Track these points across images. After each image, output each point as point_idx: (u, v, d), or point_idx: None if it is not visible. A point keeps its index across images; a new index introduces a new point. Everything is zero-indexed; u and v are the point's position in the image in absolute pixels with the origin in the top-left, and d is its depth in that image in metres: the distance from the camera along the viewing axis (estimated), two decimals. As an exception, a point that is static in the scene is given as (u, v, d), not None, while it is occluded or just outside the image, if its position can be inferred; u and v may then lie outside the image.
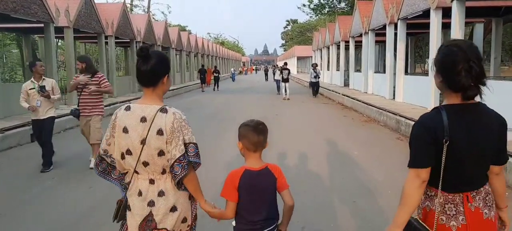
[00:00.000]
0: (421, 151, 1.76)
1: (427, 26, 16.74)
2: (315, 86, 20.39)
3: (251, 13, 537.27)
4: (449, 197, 1.80)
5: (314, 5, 44.06)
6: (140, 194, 2.08)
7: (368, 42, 17.74)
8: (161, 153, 2.03)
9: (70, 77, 14.04)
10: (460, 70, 1.69)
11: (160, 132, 2.01)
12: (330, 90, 20.82)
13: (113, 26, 17.21)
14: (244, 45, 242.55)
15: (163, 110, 2.05)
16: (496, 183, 1.91)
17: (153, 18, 46.33)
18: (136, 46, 21.46)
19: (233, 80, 42.27)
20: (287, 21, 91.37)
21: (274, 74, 25.59)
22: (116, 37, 18.35)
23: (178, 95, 23.73)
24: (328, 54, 29.91)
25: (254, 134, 2.17)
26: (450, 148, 1.71)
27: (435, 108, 1.81)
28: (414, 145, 1.79)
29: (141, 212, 2.08)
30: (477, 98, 1.77)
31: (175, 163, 2.02)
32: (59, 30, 13.63)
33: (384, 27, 15.25)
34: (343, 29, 23.42)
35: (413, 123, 6.41)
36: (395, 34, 14.50)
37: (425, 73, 19.29)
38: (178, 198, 2.10)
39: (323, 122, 11.75)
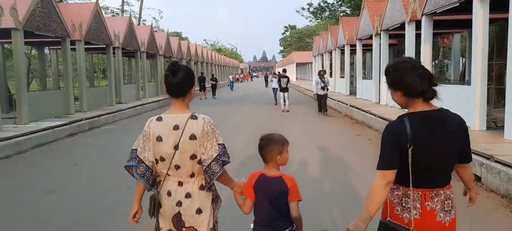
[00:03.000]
0: (387, 155, 1.94)
1: (453, 24, 14.32)
2: (322, 100, 15.29)
3: (250, 20, 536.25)
4: (408, 192, 1.95)
5: (314, 8, 41.68)
6: (169, 194, 2.28)
7: (380, 44, 15.24)
8: (193, 157, 2.22)
9: (19, 90, 11.50)
10: (415, 78, 1.92)
11: (192, 137, 2.21)
12: (335, 100, 18.26)
13: (81, 29, 14.67)
14: (243, 52, 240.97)
15: (193, 117, 2.25)
16: (463, 174, 2.16)
17: (143, 23, 44.06)
18: (115, 52, 18.99)
19: (232, 89, 37.38)
20: (285, 27, 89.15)
21: (271, 81, 22.50)
22: (87, 42, 15.82)
23: (166, 107, 21.10)
24: (331, 60, 27.46)
25: (259, 149, 2.43)
26: (414, 152, 1.88)
27: (399, 117, 1.98)
28: (382, 150, 1.97)
29: (170, 211, 2.28)
30: (439, 104, 2.02)
31: (213, 162, 2.21)
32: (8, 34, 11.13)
33: (402, 26, 12.74)
34: (348, 32, 20.96)
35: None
36: (417, 34, 12.02)
37: (459, 82, 16.77)
38: (203, 200, 2.28)
39: (332, 144, 9.16)
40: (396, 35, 16.80)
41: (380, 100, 15.21)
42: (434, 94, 1.96)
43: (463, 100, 9.08)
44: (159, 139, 2.24)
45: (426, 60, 11.01)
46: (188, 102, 2.32)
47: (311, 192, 5.31)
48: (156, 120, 2.29)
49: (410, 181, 1.93)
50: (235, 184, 2.43)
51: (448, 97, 10.04)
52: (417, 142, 1.89)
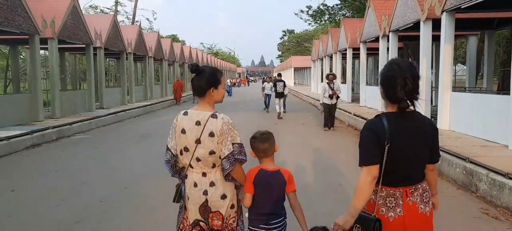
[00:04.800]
0: (369, 151, 2.04)
1: (470, 25, 12.79)
2: (330, 113, 12.09)
3: (249, 25, 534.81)
4: (391, 191, 2.08)
5: (313, 11, 40.21)
6: (195, 185, 2.46)
7: (388, 47, 13.68)
8: (212, 152, 2.40)
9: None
10: (396, 85, 2.01)
11: (211, 134, 2.39)
12: (336, 108, 16.63)
13: (54, 26, 13.06)
14: (241, 56, 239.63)
15: (214, 116, 2.43)
16: (430, 177, 2.25)
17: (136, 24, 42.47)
18: (98, 52, 17.39)
19: (230, 94, 34.10)
20: (284, 31, 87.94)
21: (264, 87, 19.06)
22: (62, 41, 14.21)
23: (153, 113, 19.49)
24: (331, 65, 25.91)
25: (260, 143, 2.57)
26: (391, 149, 2.00)
27: (377, 115, 2.10)
28: (363, 146, 2.07)
29: (198, 200, 2.45)
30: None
31: (224, 160, 2.40)
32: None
33: (415, 25, 11.17)
34: (350, 34, 19.44)
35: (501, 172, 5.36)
36: (434, 35, 10.49)
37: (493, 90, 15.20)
38: (226, 187, 2.48)
39: (338, 162, 7.56)
40: (405, 37, 15.27)
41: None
42: (408, 106, 2.03)
43: (497, 112, 7.51)
44: (183, 131, 2.45)
45: (447, 65, 9.44)
46: (211, 101, 2.48)
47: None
48: (183, 114, 2.50)
49: (388, 179, 2.06)
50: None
51: (475, 107, 8.39)
52: (394, 139, 2.01)
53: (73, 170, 7.42)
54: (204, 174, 2.44)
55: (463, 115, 8.88)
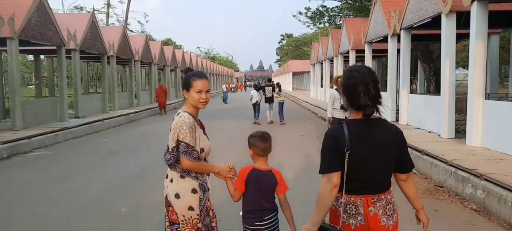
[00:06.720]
0: (329, 158, 2.00)
1: (501, 19, 10.95)
2: None
3: (247, 29, 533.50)
4: (351, 199, 2.02)
5: (312, 13, 38.55)
6: (166, 176, 2.65)
7: (400, 47, 11.95)
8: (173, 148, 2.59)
9: None
10: (359, 92, 1.98)
11: (170, 129, 2.57)
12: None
13: (13, 24, 11.26)
14: (239, 61, 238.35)
15: (178, 113, 2.61)
16: (405, 189, 2.17)
17: (131, 31, 40.80)
18: (72, 55, 15.58)
19: (225, 102, 30.52)
20: (282, 35, 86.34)
21: (251, 95, 15.94)
22: (26, 42, 12.43)
23: (135, 122, 17.69)
24: (332, 69, 24.21)
25: (261, 142, 2.68)
26: (351, 156, 1.96)
27: (339, 123, 2.10)
28: (324, 154, 2.03)
29: (165, 190, 2.64)
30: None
31: (172, 150, 2.55)
32: None
33: (434, 21, 9.44)
34: (353, 35, 17.74)
35: None
36: (459, 32, 8.75)
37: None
38: (181, 187, 2.57)
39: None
40: (412, 38, 13.52)
41: (400, 119, 11.86)
42: (373, 112, 2.00)
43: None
44: None
45: (478, 67, 7.67)
46: (188, 103, 2.64)
47: None
48: None
49: (349, 186, 2.00)
50: (217, 168, 2.69)
51: (503, 119, 6.29)
52: (354, 146, 1.96)
53: (12, 197, 5.62)
54: (170, 169, 2.63)
55: (501, 129, 7.11)
